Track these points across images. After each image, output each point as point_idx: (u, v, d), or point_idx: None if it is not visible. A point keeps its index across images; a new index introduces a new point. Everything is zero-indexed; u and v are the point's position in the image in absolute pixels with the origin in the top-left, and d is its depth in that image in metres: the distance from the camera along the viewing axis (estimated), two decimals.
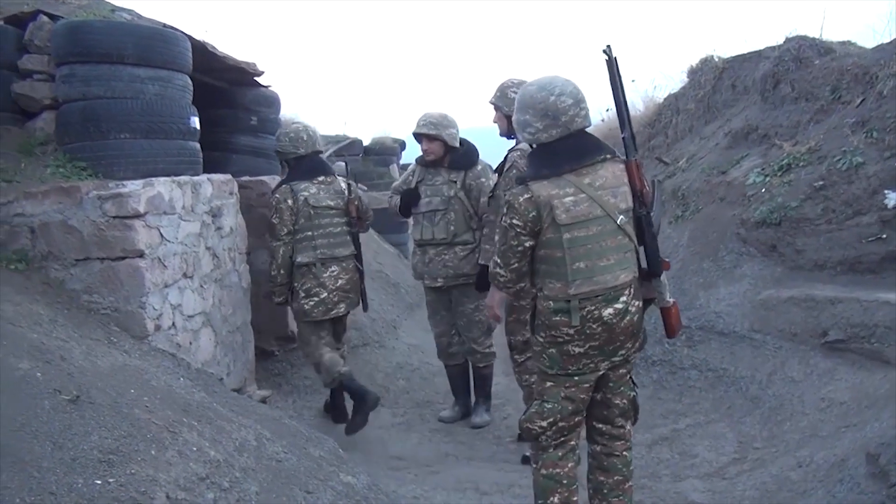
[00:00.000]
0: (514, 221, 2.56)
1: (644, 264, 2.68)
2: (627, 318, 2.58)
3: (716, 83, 7.06)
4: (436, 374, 5.48)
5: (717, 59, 7.23)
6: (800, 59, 5.63)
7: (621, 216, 2.55)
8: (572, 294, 2.53)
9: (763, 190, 4.99)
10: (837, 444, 3.30)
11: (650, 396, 4.54)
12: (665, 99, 7.89)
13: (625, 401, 2.73)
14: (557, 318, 2.57)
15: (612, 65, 2.64)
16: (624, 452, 2.75)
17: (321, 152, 4.70)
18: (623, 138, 2.66)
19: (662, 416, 4.33)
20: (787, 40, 5.89)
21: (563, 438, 2.71)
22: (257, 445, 2.77)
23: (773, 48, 6.15)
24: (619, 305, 2.56)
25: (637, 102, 8.27)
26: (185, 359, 3.49)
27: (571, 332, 2.56)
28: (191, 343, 3.75)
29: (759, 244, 4.83)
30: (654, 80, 10.16)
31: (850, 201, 4.44)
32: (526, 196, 2.54)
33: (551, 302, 2.58)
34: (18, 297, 3.01)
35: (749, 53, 6.79)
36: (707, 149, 6.35)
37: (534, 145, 2.68)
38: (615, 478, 2.73)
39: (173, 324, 3.60)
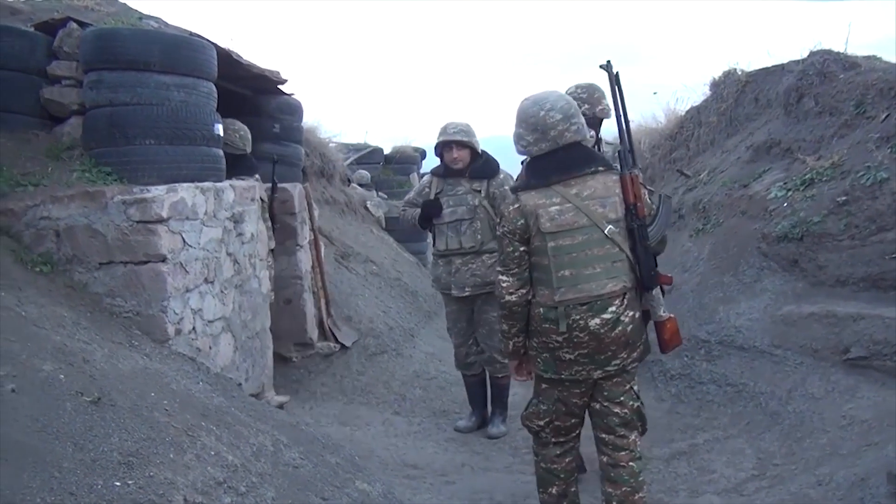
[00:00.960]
0: (505, 229, 2.70)
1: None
2: (619, 328, 2.62)
3: (738, 96, 7.02)
4: (453, 384, 5.47)
5: (739, 72, 7.18)
6: (824, 74, 5.58)
7: (610, 226, 2.61)
8: (557, 301, 2.62)
9: (785, 204, 4.95)
10: (858, 463, 3.26)
11: (668, 411, 4.51)
12: (687, 111, 7.85)
13: (625, 411, 2.76)
14: (547, 325, 2.66)
15: (613, 80, 2.74)
16: (630, 463, 2.76)
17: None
18: (618, 152, 2.73)
19: (680, 430, 4.29)
20: (812, 54, 5.84)
21: (563, 438, 2.86)
22: (274, 451, 2.78)
23: (796, 62, 6.11)
24: (607, 315, 2.60)
25: (658, 114, 8.25)
26: (204, 363, 3.51)
27: (560, 339, 2.64)
28: (210, 348, 3.78)
29: (780, 259, 4.78)
30: (677, 91, 10.11)
31: (874, 217, 4.38)
32: (514, 206, 2.69)
33: (542, 309, 2.67)
34: (43, 300, 3.05)
35: (772, 67, 6.74)
36: (729, 162, 6.31)
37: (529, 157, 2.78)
38: (622, 489, 2.74)
39: (193, 328, 3.63)
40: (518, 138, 2.74)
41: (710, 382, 4.55)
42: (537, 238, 2.63)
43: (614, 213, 2.63)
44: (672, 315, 2.79)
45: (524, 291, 2.70)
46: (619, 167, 2.71)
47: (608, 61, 2.73)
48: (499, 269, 2.77)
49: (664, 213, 2.77)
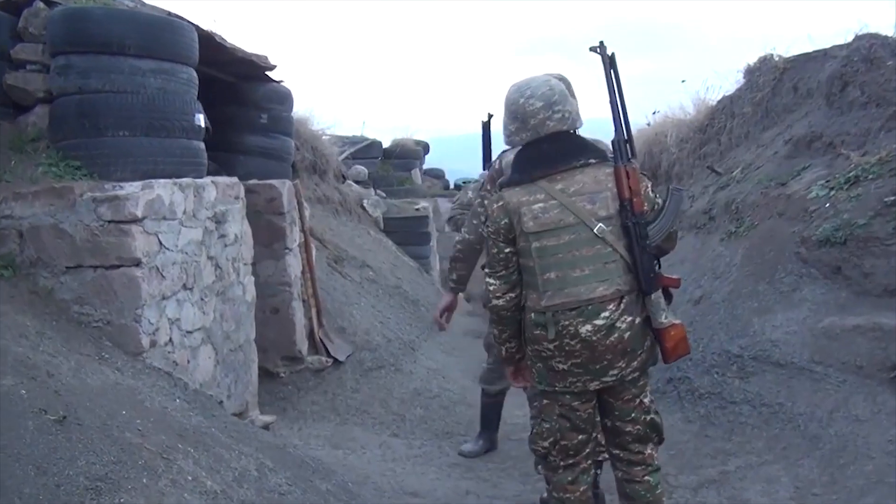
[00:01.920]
0: (490, 229, 2.74)
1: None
2: (615, 335, 2.62)
3: (776, 85, 7.00)
4: (457, 403, 5.46)
5: (777, 59, 7.17)
6: (870, 60, 5.56)
7: (600, 224, 2.62)
8: (545, 306, 2.64)
9: (827, 205, 4.93)
10: None
11: (697, 434, 4.49)
12: (719, 101, 7.84)
13: (638, 427, 2.78)
14: (538, 332, 2.68)
15: (607, 63, 2.74)
16: (645, 477, 2.79)
17: None
18: (613, 142, 2.73)
19: (710, 455, 4.27)
20: (857, 38, 5.83)
21: (571, 461, 2.82)
22: (258, 476, 2.78)
23: (840, 47, 6.09)
24: (599, 322, 2.61)
25: (687, 104, 8.24)
26: (182, 378, 3.51)
27: (551, 347, 2.65)
28: (189, 361, 3.78)
29: (821, 265, 4.77)
30: (707, 79, 10.09)
31: None
32: (498, 204, 2.71)
33: (532, 314, 2.69)
34: (3, 307, 3.05)
35: (813, 52, 6.73)
36: (765, 158, 6.30)
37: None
38: None
39: (170, 340, 3.63)
40: (503, 127, 2.81)
41: (743, 402, 4.53)
42: (522, 238, 2.66)
43: (605, 210, 2.63)
44: (677, 322, 2.76)
45: (513, 295, 2.74)
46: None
47: (601, 42, 2.73)
48: (486, 271, 2.81)
49: (671, 207, 2.76)
